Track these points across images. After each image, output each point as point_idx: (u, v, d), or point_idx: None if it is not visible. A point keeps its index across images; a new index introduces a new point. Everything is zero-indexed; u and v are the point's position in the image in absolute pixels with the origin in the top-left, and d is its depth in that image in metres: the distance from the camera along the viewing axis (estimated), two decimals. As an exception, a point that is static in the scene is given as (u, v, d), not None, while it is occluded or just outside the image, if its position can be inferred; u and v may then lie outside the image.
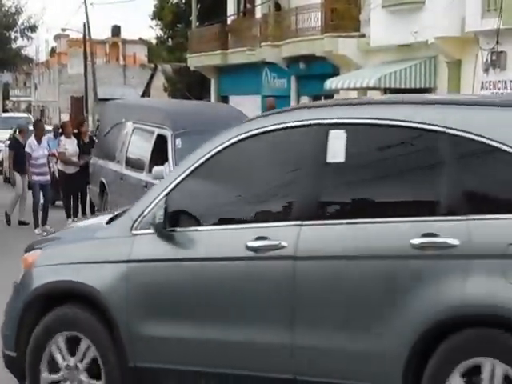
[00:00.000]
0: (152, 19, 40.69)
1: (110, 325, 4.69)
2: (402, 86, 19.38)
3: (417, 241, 4.04)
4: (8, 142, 20.88)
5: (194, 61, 32.02)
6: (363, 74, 20.57)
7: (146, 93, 45.11)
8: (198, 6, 33.81)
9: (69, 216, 14.42)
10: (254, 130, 4.63)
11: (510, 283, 3.89)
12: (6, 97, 78.00)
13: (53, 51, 72.49)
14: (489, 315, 3.96)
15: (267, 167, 4.68)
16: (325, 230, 4.30)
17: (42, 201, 14.23)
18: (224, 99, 30.37)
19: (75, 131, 15.12)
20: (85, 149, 14.62)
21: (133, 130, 11.87)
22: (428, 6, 18.21)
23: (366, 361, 4.15)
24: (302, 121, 4.50)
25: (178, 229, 4.59)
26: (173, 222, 4.59)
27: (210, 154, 4.68)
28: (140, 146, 11.64)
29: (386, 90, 20.97)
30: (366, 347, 4.13)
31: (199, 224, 4.62)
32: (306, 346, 4.26)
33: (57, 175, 15.26)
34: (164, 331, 4.59)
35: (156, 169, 9.91)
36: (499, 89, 16.84)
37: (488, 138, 4.06)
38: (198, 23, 33.39)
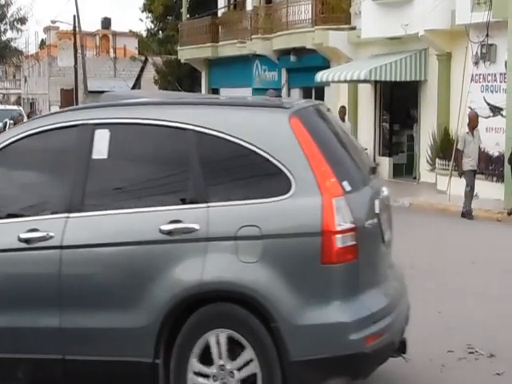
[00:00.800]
0: (142, 12, 40.58)
1: None
2: (393, 79, 19.46)
3: (165, 227, 4.51)
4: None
5: (185, 53, 31.99)
6: (354, 66, 20.63)
7: (136, 85, 44.98)
8: (189, -2, 33.78)
9: None
10: (34, 129, 5.01)
11: (241, 261, 4.38)
12: (-5, 89, 77.67)
13: (42, 43, 72.17)
14: (223, 291, 4.43)
15: (42, 164, 5.04)
16: (88, 220, 4.72)
17: None
18: (214, 92, 30.38)
19: None
20: None
21: None
22: (418, -2, 18.26)
23: (125, 338, 4.59)
24: (73, 121, 4.94)
25: None
26: None
27: None
28: None
29: (376, 83, 21.06)
30: (125, 325, 4.57)
31: None
32: (72, 328, 4.68)
33: None
34: None
35: None
36: (489, 81, 16.93)
37: (226, 134, 4.59)
38: (188, 16, 33.36)
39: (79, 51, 42.68)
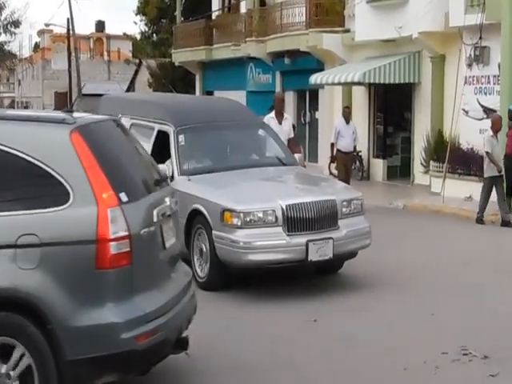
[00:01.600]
0: (136, 14, 40.58)
1: None
2: (387, 81, 19.47)
3: None
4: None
5: (179, 56, 31.97)
6: (348, 69, 20.64)
7: (130, 88, 44.97)
8: (183, 1, 33.77)
9: None
10: None
11: (20, 268, 4.64)
12: (-11, 93, 77.51)
13: (36, 47, 72.15)
14: (1, 297, 4.64)
15: None
16: None
17: None
18: (209, 94, 30.34)
19: None
20: None
21: (130, 126, 11.09)
22: (412, 1, 18.28)
23: None
24: None
25: None
26: None
27: None
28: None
29: (370, 85, 21.08)
30: None
31: None
32: None
33: None
34: None
35: (159, 167, 9.69)
36: (482, 83, 16.96)
37: (8, 147, 4.82)
38: (182, 18, 33.35)
39: (73, 54, 42.63)
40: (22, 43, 67.37)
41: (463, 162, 16.65)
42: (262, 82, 27.03)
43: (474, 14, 16.23)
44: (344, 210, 8.71)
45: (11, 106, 65.90)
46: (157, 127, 10.34)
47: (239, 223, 8.23)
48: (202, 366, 6.24)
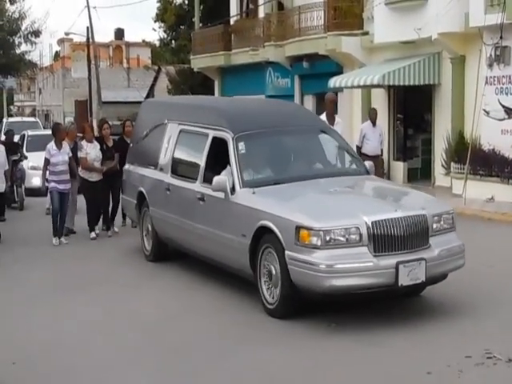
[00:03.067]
0: (155, 21, 40.77)
1: None
2: (406, 83, 19.35)
3: None
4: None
5: (198, 62, 32.04)
6: (367, 71, 20.54)
7: (149, 95, 45.13)
8: (201, 7, 33.84)
9: (92, 230, 13.15)
10: None
11: None
12: (10, 102, 78.17)
13: (56, 55, 72.69)
14: None
15: None
16: None
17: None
18: (228, 100, 30.34)
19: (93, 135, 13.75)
20: (108, 154, 13.37)
21: (179, 133, 10.35)
22: (431, 2, 18.16)
23: None
24: None
25: None
26: None
27: None
28: (190, 151, 10.16)
29: (390, 87, 20.96)
30: None
31: None
32: None
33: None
34: None
35: (217, 179, 8.61)
36: (503, 84, 16.80)
37: None
38: (200, 24, 33.43)
39: (93, 62, 42.84)
40: (42, 52, 67.92)
41: (485, 163, 16.50)
42: (280, 86, 26.99)
43: (494, 13, 16.08)
44: (435, 225, 7.79)
45: (32, 114, 66.41)
46: (211, 134, 9.42)
47: (319, 243, 7.22)
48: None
